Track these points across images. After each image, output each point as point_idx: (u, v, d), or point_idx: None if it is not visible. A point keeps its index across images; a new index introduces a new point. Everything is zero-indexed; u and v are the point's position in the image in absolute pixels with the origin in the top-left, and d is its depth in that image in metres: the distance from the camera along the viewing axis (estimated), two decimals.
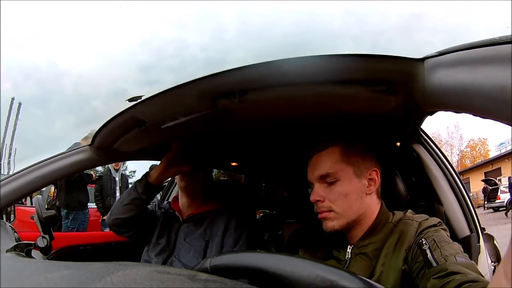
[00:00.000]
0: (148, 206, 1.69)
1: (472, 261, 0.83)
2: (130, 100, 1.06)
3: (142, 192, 1.47)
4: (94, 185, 5.51)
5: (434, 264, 0.82)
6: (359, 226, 1.03)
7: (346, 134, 1.08)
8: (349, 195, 1.01)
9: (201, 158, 1.64)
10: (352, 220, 1.01)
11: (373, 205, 1.04)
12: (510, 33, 0.48)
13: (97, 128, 1.27)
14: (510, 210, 14.91)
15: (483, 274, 0.78)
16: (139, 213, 1.52)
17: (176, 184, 2.38)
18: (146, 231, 1.62)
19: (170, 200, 1.80)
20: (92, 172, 5.32)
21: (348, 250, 1.03)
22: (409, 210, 1.06)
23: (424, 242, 0.89)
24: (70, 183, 4.81)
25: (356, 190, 1.02)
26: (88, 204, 5.32)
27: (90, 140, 1.37)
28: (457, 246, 0.88)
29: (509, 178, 16.78)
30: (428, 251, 0.86)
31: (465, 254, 0.85)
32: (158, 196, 2.83)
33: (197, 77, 0.89)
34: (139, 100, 1.05)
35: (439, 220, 0.99)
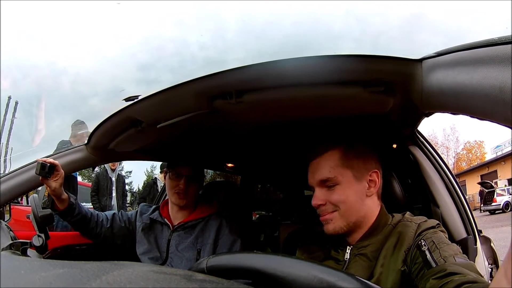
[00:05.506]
0: (124, 217, 1.70)
1: (471, 262, 0.83)
2: (127, 99, 1.05)
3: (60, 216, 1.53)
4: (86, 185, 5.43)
5: (434, 265, 0.82)
6: (359, 228, 1.03)
7: (343, 135, 1.07)
8: (349, 198, 1.00)
9: (197, 161, 1.61)
10: (352, 223, 1.01)
11: (374, 206, 1.04)
12: (509, 34, 0.47)
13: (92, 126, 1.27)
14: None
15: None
16: (90, 228, 1.59)
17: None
18: (120, 239, 1.67)
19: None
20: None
21: (347, 251, 1.03)
22: (408, 212, 1.06)
23: (423, 243, 0.89)
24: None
25: (355, 193, 1.01)
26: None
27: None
28: (456, 247, 0.88)
29: None
30: (427, 252, 0.86)
31: (464, 255, 0.85)
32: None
33: (194, 77, 0.89)
34: (135, 100, 1.04)
35: (438, 222, 0.99)
